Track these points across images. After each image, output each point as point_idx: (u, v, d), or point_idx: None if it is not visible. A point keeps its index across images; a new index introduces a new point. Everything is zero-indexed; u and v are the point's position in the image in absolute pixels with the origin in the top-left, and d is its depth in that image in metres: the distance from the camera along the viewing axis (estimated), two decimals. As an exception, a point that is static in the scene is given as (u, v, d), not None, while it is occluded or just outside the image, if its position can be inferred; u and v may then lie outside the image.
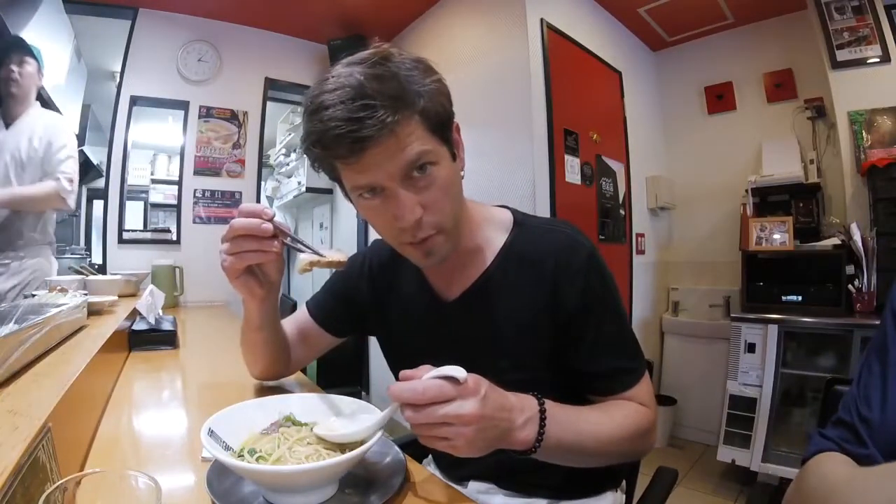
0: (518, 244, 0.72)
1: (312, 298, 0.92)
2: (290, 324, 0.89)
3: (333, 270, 0.89)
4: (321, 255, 0.66)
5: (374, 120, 0.53)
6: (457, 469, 0.81)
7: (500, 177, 2.27)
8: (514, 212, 0.77)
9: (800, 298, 2.15)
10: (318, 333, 0.89)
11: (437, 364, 0.51)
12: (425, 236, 0.62)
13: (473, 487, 0.79)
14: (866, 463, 0.49)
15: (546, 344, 0.69)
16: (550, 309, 0.68)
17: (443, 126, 0.61)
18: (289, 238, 0.65)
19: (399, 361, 0.82)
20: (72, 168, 1.93)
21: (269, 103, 3.17)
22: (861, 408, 0.52)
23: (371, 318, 0.85)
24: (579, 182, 2.37)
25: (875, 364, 0.54)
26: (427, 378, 0.50)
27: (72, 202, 1.94)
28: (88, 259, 3.31)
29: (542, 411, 0.56)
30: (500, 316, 0.70)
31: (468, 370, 0.52)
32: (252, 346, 0.83)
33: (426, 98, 0.58)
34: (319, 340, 0.90)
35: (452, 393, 0.49)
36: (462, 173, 0.67)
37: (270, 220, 0.63)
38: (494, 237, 0.73)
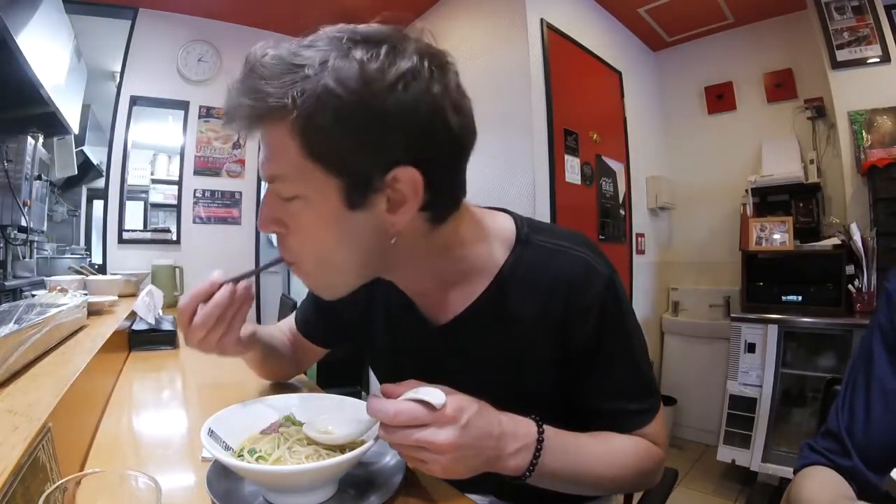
0: (522, 265, 0.60)
1: (299, 308, 0.87)
2: (285, 329, 0.89)
3: None
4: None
5: (240, 109, 0.45)
6: (455, 482, 0.80)
7: (500, 177, 2.27)
8: (517, 220, 0.64)
9: (800, 298, 2.15)
10: (308, 345, 0.87)
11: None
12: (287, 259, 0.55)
13: (473, 497, 0.78)
14: (851, 474, 0.51)
15: (547, 380, 0.62)
16: (556, 343, 0.59)
17: (341, 157, 0.46)
18: (239, 278, 0.61)
19: (384, 379, 0.75)
20: None
21: (269, 103, 3.17)
22: (847, 420, 0.54)
23: (356, 330, 0.77)
24: (579, 182, 2.36)
25: (860, 377, 0.55)
26: (402, 399, 0.47)
27: None
28: (88, 259, 3.31)
29: (540, 441, 0.52)
30: (497, 347, 0.62)
31: None
32: (256, 368, 0.87)
33: (311, 111, 0.43)
34: (313, 349, 0.88)
35: (426, 419, 0.45)
36: (391, 235, 0.51)
37: (220, 285, 0.59)
38: (493, 253, 0.61)
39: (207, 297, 0.58)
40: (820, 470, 0.54)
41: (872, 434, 0.51)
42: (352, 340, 0.80)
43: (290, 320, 0.88)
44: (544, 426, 0.54)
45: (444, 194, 0.52)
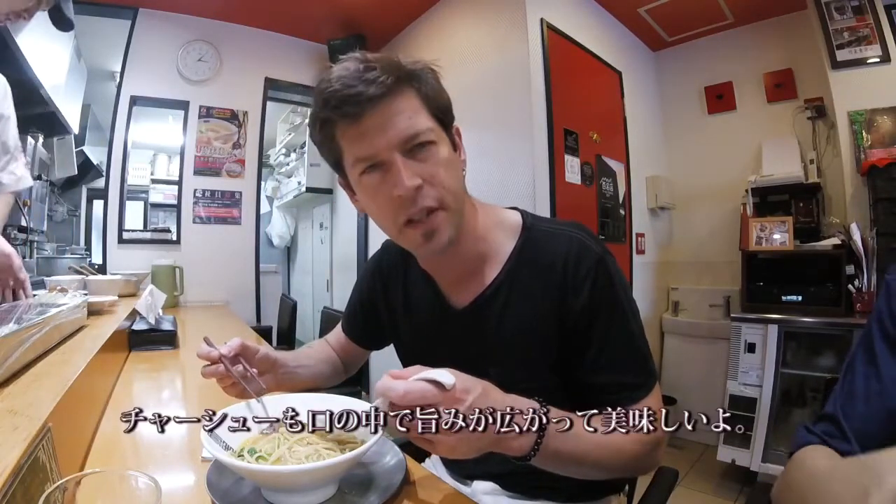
0: (527, 250, 0.70)
1: (344, 315, 0.95)
2: (332, 341, 0.96)
3: (356, 282, 0.94)
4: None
5: (377, 82, 0.58)
6: (460, 466, 0.81)
7: (500, 177, 2.27)
8: (524, 214, 0.75)
9: (800, 298, 2.15)
10: (356, 349, 0.94)
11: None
12: (429, 207, 0.61)
13: (478, 487, 0.78)
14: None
15: (555, 353, 0.67)
16: (558, 317, 0.66)
17: (443, 113, 0.64)
18: (234, 365, 0.68)
19: (408, 365, 0.82)
20: None
21: (269, 103, 3.17)
22: (844, 405, 0.54)
23: (386, 320, 0.85)
24: (579, 182, 2.36)
25: (859, 363, 0.56)
26: (412, 380, 0.47)
27: None
28: (88, 259, 3.30)
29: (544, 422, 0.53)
30: (510, 325, 0.69)
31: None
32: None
33: (424, 82, 0.62)
34: (359, 353, 0.95)
35: (436, 399, 0.46)
36: (464, 171, 0.68)
37: (219, 358, 0.67)
38: (504, 242, 0.71)
39: (210, 362, 0.68)
40: (818, 448, 0.54)
41: (870, 420, 0.51)
42: (387, 339, 0.88)
43: (338, 331, 0.96)
44: (549, 407, 0.55)
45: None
